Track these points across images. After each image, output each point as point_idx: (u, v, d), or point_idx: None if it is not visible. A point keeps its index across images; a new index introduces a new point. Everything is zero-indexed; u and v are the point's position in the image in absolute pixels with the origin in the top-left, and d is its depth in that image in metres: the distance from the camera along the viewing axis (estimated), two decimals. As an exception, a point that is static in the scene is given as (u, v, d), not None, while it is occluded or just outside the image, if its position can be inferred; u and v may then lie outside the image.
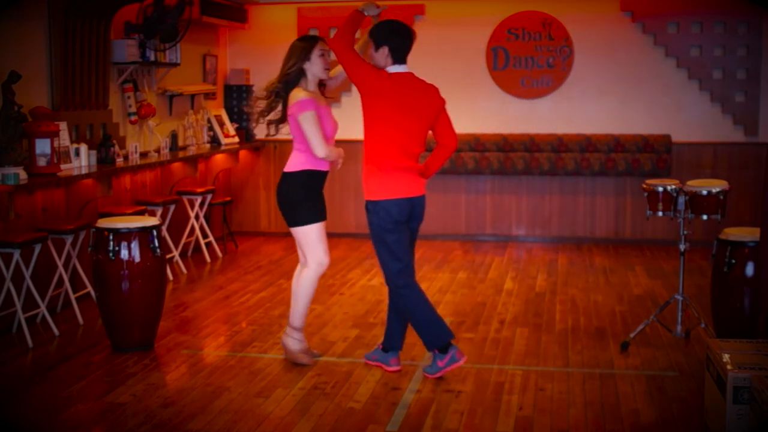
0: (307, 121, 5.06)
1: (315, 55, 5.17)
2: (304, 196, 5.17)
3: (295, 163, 5.19)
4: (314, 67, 5.18)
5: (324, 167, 5.21)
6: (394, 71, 4.96)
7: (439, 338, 4.95)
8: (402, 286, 4.97)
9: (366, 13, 5.05)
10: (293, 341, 5.32)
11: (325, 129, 5.15)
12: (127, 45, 7.45)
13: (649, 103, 9.26)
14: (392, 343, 5.20)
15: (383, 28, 5.01)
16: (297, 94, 5.11)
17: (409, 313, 5.01)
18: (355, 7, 5.09)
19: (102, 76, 7.28)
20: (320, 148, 5.06)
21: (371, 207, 5.01)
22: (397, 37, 4.98)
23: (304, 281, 5.26)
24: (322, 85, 5.33)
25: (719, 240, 5.50)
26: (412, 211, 5.01)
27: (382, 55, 4.96)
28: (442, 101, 5.10)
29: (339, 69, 5.31)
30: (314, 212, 5.20)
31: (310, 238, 5.20)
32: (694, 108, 9.18)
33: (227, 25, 9.37)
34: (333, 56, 5.10)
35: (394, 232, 4.96)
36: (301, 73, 5.18)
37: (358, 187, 9.71)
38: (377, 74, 4.92)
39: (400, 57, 4.98)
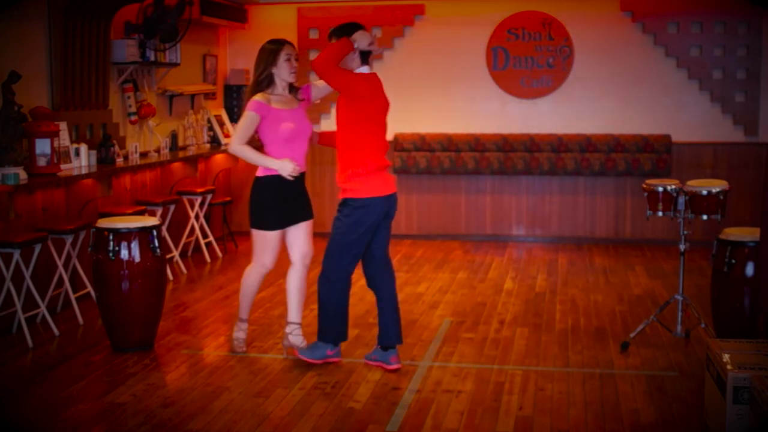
0: (242, 119, 5.14)
1: (281, 59, 5.20)
2: (272, 201, 5.24)
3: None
4: (281, 71, 5.21)
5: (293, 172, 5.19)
6: (366, 72, 5.11)
7: (336, 337, 5.27)
8: (336, 281, 5.18)
9: (356, 45, 5.04)
10: (238, 330, 5.60)
11: (284, 131, 5.18)
12: (127, 45, 7.46)
13: (649, 103, 9.26)
14: (388, 341, 5.22)
15: (344, 29, 5.13)
16: (253, 97, 5.17)
17: (325, 301, 5.23)
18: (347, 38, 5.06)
19: (102, 76, 7.28)
20: (234, 144, 5.17)
21: (356, 204, 5.08)
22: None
23: (249, 278, 5.53)
24: (293, 88, 5.33)
25: (719, 240, 5.50)
26: (388, 208, 5.16)
27: (351, 58, 5.08)
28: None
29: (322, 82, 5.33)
30: (278, 219, 5.28)
31: (265, 243, 5.36)
32: (694, 108, 9.18)
33: (227, 25, 9.37)
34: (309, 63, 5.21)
35: (365, 232, 5.11)
36: (272, 78, 5.21)
37: (358, 187, 9.71)
38: (363, 78, 5.05)
39: (366, 58, 5.14)
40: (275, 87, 5.23)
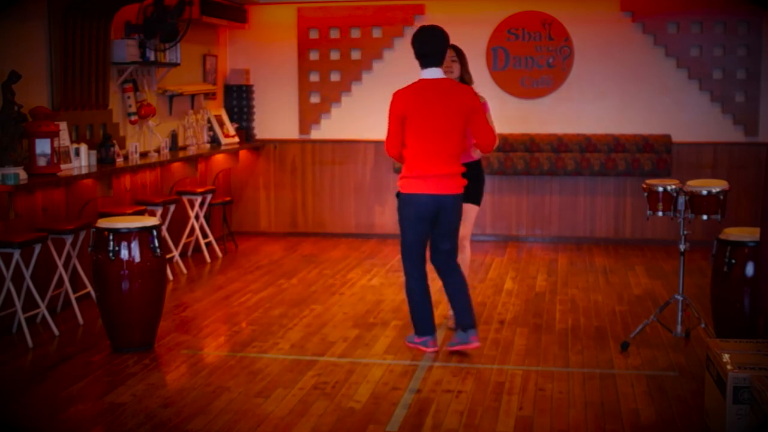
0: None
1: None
2: None
3: None
4: None
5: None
6: (421, 77, 5.29)
7: (417, 327, 5.53)
8: (406, 274, 5.52)
9: None
10: None
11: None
12: (127, 45, 7.45)
13: (649, 103, 9.26)
14: (465, 320, 5.46)
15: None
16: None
17: (406, 292, 5.57)
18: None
19: (102, 76, 7.28)
20: None
21: (401, 198, 5.41)
22: (417, 43, 5.31)
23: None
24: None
25: (719, 240, 5.49)
26: (436, 206, 5.38)
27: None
28: (473, 101, 5.37)
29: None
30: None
31: None
32: (694, 108, 9.18)
33: (227, 25, 9.37)
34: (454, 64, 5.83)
35: (412, 225, 5.48)
36: None
37: (359, 188, 9.73)
38: (407, 99, 5.25)
39: (425, 62, 5.28)
40: None
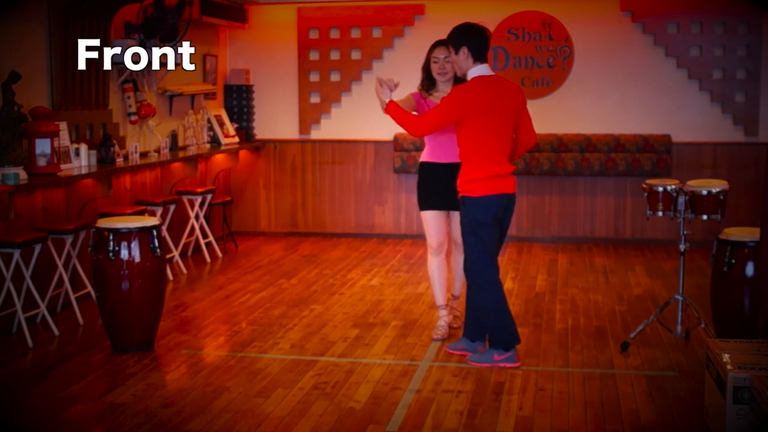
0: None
1: (431, 61, 5.73)
2: (421, 185, 5.77)
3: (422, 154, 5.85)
4: (432, 72, 5.77)
5: (441, 160, 5.60)
6: (476, 74, 5.21)
7: (501, 340, 5.26)
8: (481, 283, 5.27)
9: (386, 99, 5.35)
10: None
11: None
12: (127, 45, 7.45)
13: (649, 103, 9.26)
14: (473, 333, 5.46)
15: (457, 31, 5.34)
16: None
17: (481, 306, 5.29)
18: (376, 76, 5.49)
19: (102, 76, 7.28)
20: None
21: (470, 202, 5.24)
22: (472, 37, 5.29)
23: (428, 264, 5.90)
24: (459, 81, 5.58)
25: (719, 240, 5.50)
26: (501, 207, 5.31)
27: (463, 57, 5.26)
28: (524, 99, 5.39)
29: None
30: (426, 201, 5.74)
31: (424, 223, 5.81)
32: (694, 108, 9.18)
33: (227, 25, 9.37)
34: (448, 59, 5.61)
35: (482, 228, 5.32)
36: (430, 76, 5.80)
37: (358, 187, 9.73)
38: (464, 103, 5.12)
39: (480, 56, 5.26)
40: (437, 84, 5.74)
